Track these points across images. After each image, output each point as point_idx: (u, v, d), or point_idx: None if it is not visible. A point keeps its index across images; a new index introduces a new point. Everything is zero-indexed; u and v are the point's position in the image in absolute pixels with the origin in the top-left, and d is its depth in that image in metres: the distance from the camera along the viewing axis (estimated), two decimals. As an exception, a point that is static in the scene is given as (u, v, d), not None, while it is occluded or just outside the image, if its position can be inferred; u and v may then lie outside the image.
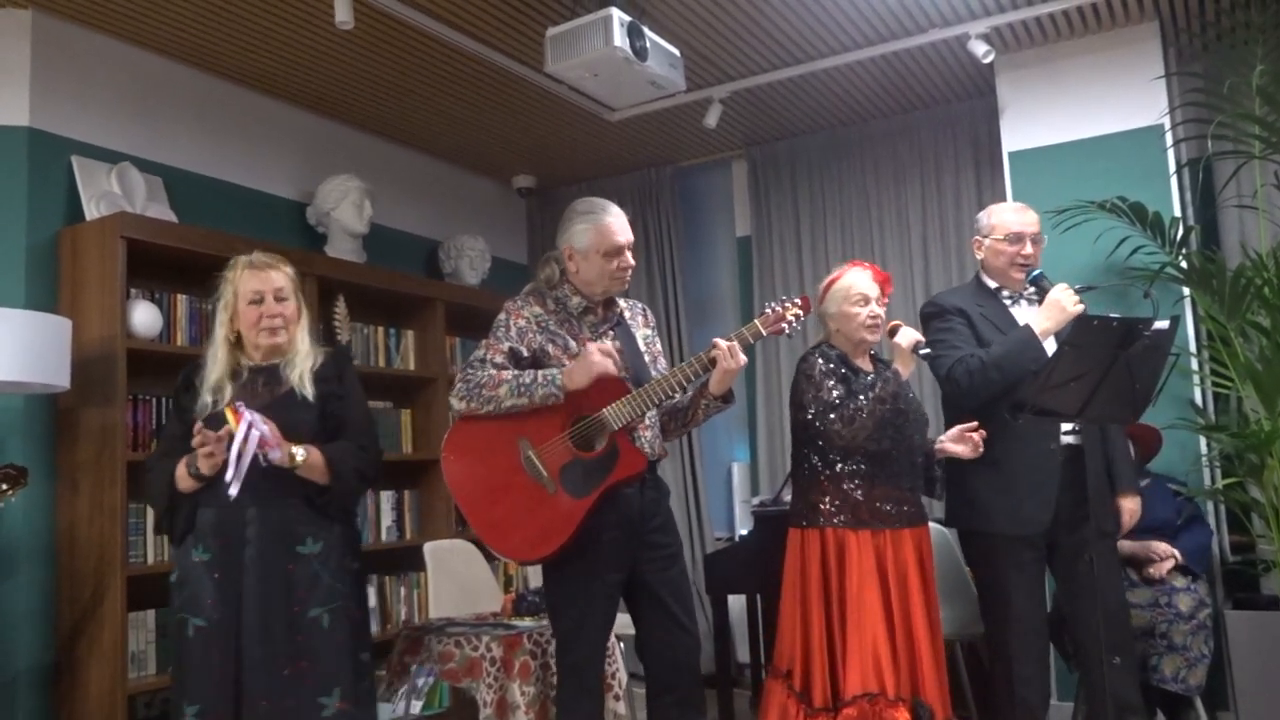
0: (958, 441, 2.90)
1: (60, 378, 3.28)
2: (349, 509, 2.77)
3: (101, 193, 3.72)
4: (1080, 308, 2.88)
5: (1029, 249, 3.06)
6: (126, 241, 3.53)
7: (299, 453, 2.56)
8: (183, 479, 2.58)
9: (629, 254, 2.72)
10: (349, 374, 2.81)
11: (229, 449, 2.45)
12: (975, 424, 2.87)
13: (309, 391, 2.66)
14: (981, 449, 2.87)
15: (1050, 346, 2.93)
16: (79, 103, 3.80)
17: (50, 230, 3.65)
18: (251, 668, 2.49)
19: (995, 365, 2.90)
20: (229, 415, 2.48)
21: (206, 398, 2.63)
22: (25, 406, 3.51)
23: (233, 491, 2.45)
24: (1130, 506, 3.08)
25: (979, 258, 3.19)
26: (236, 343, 2.72)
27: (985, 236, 3.14)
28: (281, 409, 2.63)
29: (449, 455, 2.66)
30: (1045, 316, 2.91)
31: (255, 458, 2.48)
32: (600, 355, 2.55)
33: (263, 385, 2.68)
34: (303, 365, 2.69)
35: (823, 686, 2.78)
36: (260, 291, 2.68)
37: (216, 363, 2.67)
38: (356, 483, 2.72)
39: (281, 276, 2.72)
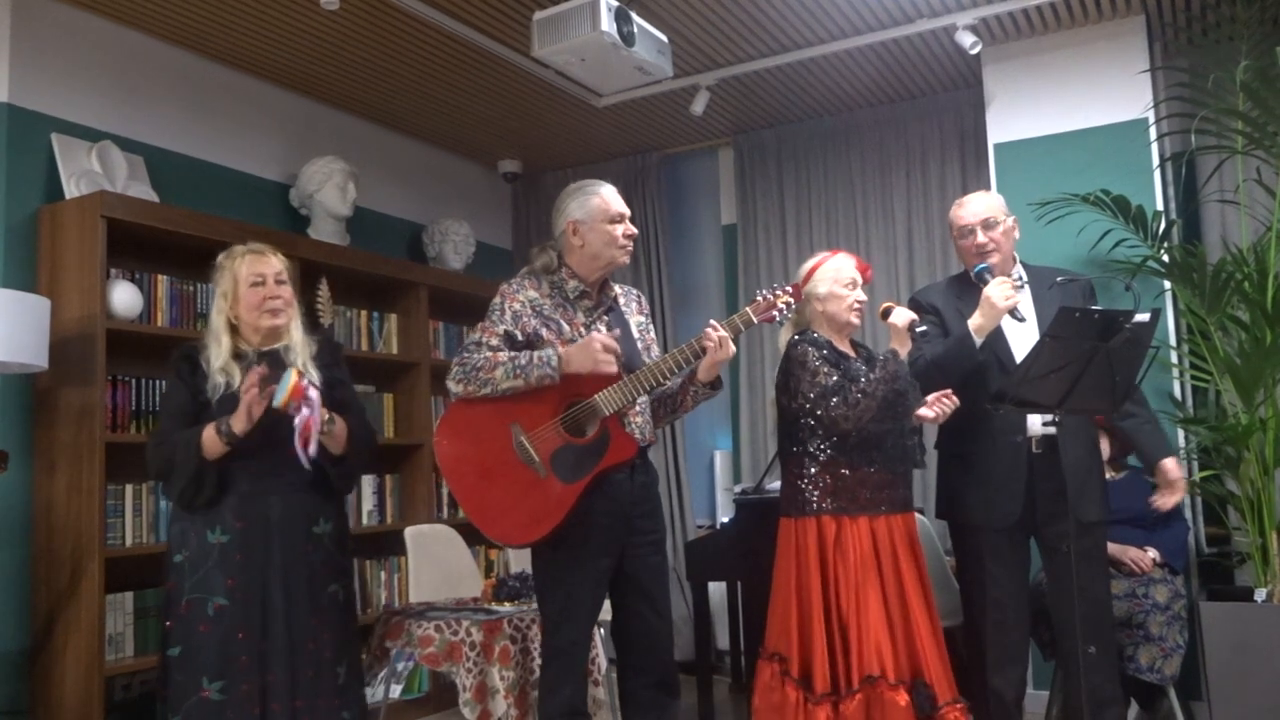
0: (929, 407, 2.86)
1: (39, 358, 3.25)
2: (351, 484, 2.94)
3: (82, 171, 3.68)
4: (1010, 303, 2.87)
5: (980, 237, 3.07)
6: (107, 221, 3.50)
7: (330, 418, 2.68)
8: (211, 441, 2.59)
9: (629, 224, 2.77)
10: (342, 361, 2.95)
11: (295, 416, 2.52)
12: (949, 390, 2.86)
13: (315, 376, 2.74)
14: (946, 413, 2.85)
15: (1022, 339, 2.95)
16: (59, 79, 3.75)
17: (29, 208, 3.61)
18: (278, 643, 2.62)
19: (936, 365, 2.95)
20: (293, 376, 2.52)
21: (218, 379, 2.70)
22: (3, 386, 3.48)
23: (308, 456, 2.54)
24: (1171, 466, 3.08)
25: None
26: (233, 330, 2.79)
27: (953, 236, 3.21)
28: None
29: (442, 438, 2.67)
30: (979, 313, 2.92)
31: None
32: (604, 350, 2.53)
33: (268, 370, 2.71)
34: (304, 352, 2.79)
35: (823, 673, 2.78)
36: (262, 274, 2.77)
37: (221, 346, 2.74)
38: (366, 456, 2.86)
39: (279, 262, 2.84)
